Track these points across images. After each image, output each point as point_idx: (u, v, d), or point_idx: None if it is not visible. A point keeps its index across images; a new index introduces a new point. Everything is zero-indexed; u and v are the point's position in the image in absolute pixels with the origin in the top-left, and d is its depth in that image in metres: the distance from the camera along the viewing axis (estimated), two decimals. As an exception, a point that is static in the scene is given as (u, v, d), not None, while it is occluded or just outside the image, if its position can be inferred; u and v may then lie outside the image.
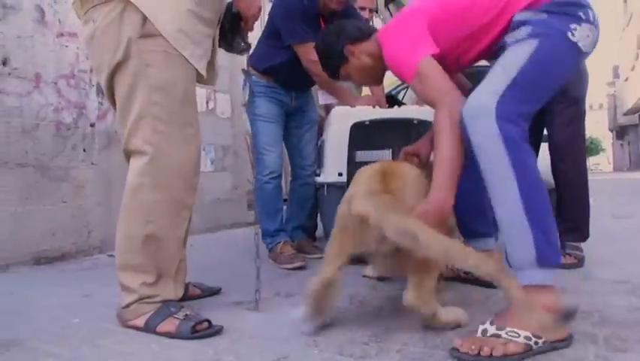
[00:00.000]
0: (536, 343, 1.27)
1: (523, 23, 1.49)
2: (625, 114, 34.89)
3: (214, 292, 2.06)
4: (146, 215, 1.56)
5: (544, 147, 2.72)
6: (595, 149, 46.70)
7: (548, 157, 2.58)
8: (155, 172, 1.55)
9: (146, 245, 1.57)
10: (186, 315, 1.56)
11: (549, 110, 2.55)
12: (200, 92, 4.17)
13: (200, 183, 4.49)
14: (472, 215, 1.92)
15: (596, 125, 46.95)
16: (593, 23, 1.50)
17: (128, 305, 1.59)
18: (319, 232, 3.33)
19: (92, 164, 3.22)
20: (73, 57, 3.12)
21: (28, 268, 2.75)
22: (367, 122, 2.53)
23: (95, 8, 1.53)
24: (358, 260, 2.43)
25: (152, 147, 1.54)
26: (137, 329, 1.57)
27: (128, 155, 1.60)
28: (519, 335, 1.26)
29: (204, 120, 3.94)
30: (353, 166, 2.43)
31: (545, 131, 2.67)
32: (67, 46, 3.08)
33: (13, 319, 1.77)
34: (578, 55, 1.50)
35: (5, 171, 2.71)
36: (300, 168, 2.90)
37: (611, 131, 44.38)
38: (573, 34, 1.45)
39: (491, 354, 1.24)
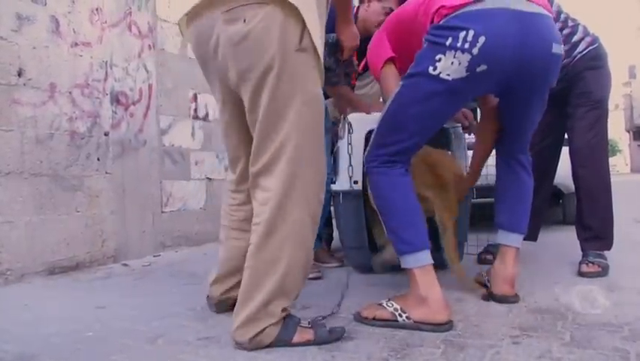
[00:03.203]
0: (400, 315, 1.63)
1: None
2: (642, 115, 34.39)
3: None
4: (295, 237, 1.48)
5: (565, 152, 2.66)
6: (612, 150, 46.14)
7: (569, 161, 2.52)
8: (302, 190, 1.48)
9: (294, 268, 1.49)
10: (309, 322, 1.56)
11: (570, 115, 2.49)
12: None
13: (214, 190, 4.47)
14: (503, 214, 2.03)
15: (613, 126, 46.36)
16: (460, 48, 1.56)
17: (263, 330, 1.46)
18: (335, 241, 3.28)
19: (106, 173, 3.22)
20: (87, 67, 3.11)
21: (42, 278, 2.74)
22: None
23: (247, 7, 1.42)
24: (370, 269, 2.42)
25: (301, 163, 1.47)
26: (267, 346, 1.48)
27: (268, 169, 1.49)
28: (392, 306, 1.65)
29: (220, 128, 3.93)
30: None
31: (566, 135, 2.61)
32: (81, 55, 3.08)
33: (27, 332, 1.75)
34: (442, 84, 1.62)
35: (20, 181, 2.71)
36: (316, 176, 2.86)
37: (628, 132, 43.77)
38: (435, 68, 1.61)
39: (366, 316, 1.69)
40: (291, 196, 1.46)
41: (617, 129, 47.76)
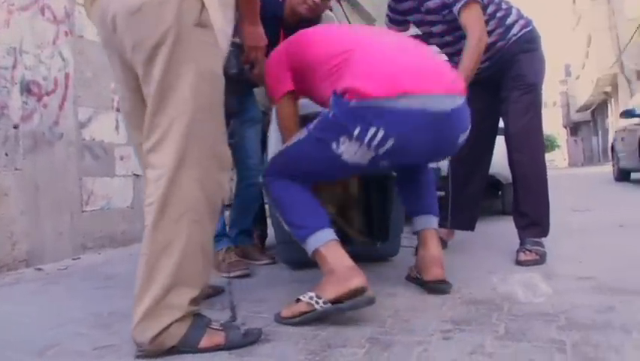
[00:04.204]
0: (317, 302, 1.49)
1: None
2: (578, 111, 35.78)
3: (220, 290, 1.94)
4: (191, 215, 1.34)
5: (499, 141, 2.60)
6: (550, 145, 47.85)
7: (505, 150, 2.46)
8: (197, 163, 1.35)
9: (193, 250, 1.34)
10: (221, 323, 1.40)
11: (504, 98, 2.42)
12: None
13: (142, 187, 4.19)
14: (411, 202, 2.01)
15: (551, 123, 48.16)
16: (367, 144, 1.53)
17: (167, 327, 1.29)
18: (270, 238, 3.11)
19: (16, 169, 2.92)
20: (-9, 52, 2.82)
21: (-60, 287, 2.44)
22: (313, 115, 2.33)
23: None
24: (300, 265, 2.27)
25: (194, 140, 1.35)
26: (169, 351, 1.30)
27: (159, 144, 1.36)
28: (307, 296, 1.52)
29: (123, 120, 3.68)
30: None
31: (501, 123, 2.54)
32: (-16, 39, 2.79)
33: None
34: (341, 161, 1.60)
35: None
36: (245, 169, 2.68)
37: (565, 127, 45.56)
38: (338, 146, 1.57)
39: (285, 316, 1.55)
40: (184, 171, 1.34)
41: (555, 125, 49.69)
